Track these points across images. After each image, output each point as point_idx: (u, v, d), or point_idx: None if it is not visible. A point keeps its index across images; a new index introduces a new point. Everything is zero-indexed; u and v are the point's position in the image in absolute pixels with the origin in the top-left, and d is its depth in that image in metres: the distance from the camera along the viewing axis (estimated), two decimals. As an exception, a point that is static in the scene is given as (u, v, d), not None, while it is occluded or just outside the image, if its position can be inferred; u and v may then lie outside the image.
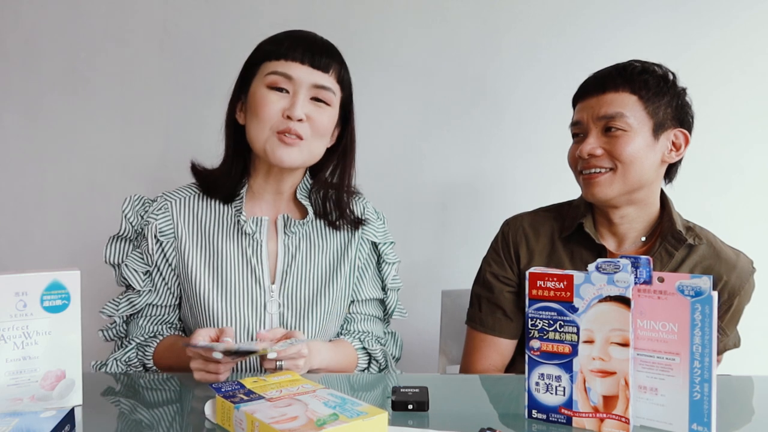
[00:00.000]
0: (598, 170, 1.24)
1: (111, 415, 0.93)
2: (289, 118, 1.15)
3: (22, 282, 0.88)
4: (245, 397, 0.83)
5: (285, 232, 1.24)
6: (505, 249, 1.38)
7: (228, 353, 0.96)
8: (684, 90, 1.28)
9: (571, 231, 1.32)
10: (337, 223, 1.28)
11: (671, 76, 1.27)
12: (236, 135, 1.24)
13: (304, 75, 1.16)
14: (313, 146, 1.19)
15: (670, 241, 1.27)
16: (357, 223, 1.30)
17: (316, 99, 1.18)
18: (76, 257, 1.84)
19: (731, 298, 1.28)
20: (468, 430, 0.83)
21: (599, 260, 0.82)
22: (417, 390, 0.92)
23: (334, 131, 1.25)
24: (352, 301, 1.31)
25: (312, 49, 1.18)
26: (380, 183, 1.81)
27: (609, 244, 1.32)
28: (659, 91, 1.24)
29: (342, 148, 1.28)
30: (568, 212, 1.37)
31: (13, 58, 1.85)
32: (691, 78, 1.72)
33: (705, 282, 0.78)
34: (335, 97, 1.21)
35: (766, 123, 1.72)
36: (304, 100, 1.16)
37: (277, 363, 1.00)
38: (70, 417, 0.82)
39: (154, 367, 1.20)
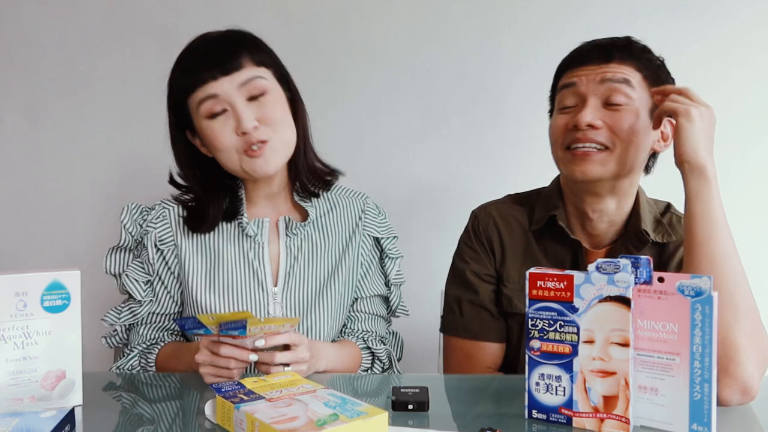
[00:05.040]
0: (592, 146, 1.08)
1: (111, 415, 0.93)
2: (244, 133, 1.12)
3: (22, 282, 0.88)
4: (245, 397, 0.83)
5: (287, 234, 1.24)
6: (480, 243, 1.23)
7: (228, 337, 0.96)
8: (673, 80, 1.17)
9: (541, 224, 1.19)
10: (314, 189, 1.26)
11: (665, 64, 1.16)
12: (197, 165, 1.22)
13: (225, 87, 1.12)
14: (282, 137, 1.16)
15: (633, 241, 1.14)
16: (332, 174, 1.28)
17: (251, 98, 1.13)
18: (76, 257, 1.84)
19: None
20: (468, 430, 0.83)
21: (599, 260, 0.81)
22: (417, 390, 0.92)
23: (287, 104, 1.20)
24: (356, 299, 1.30)
25: (213, 58, 1.12)
26: (379, 182, 1.81)
27: (582, 241, 1.18)
28: (658, 76, 1.13)
29: (293, 113, 1.22)
30: (537, 203, 1.22)
31: (13, 58, 1.85)
32: (690, 77, 1.72)
33: (705, 282, 0.78)
34: (267, 81, 1.15)
35: (765, 121, 1.72)
36: (244, 108, 1.12)
37: (284, 367, 1.00)
38: (70, 417, 0.82)
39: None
